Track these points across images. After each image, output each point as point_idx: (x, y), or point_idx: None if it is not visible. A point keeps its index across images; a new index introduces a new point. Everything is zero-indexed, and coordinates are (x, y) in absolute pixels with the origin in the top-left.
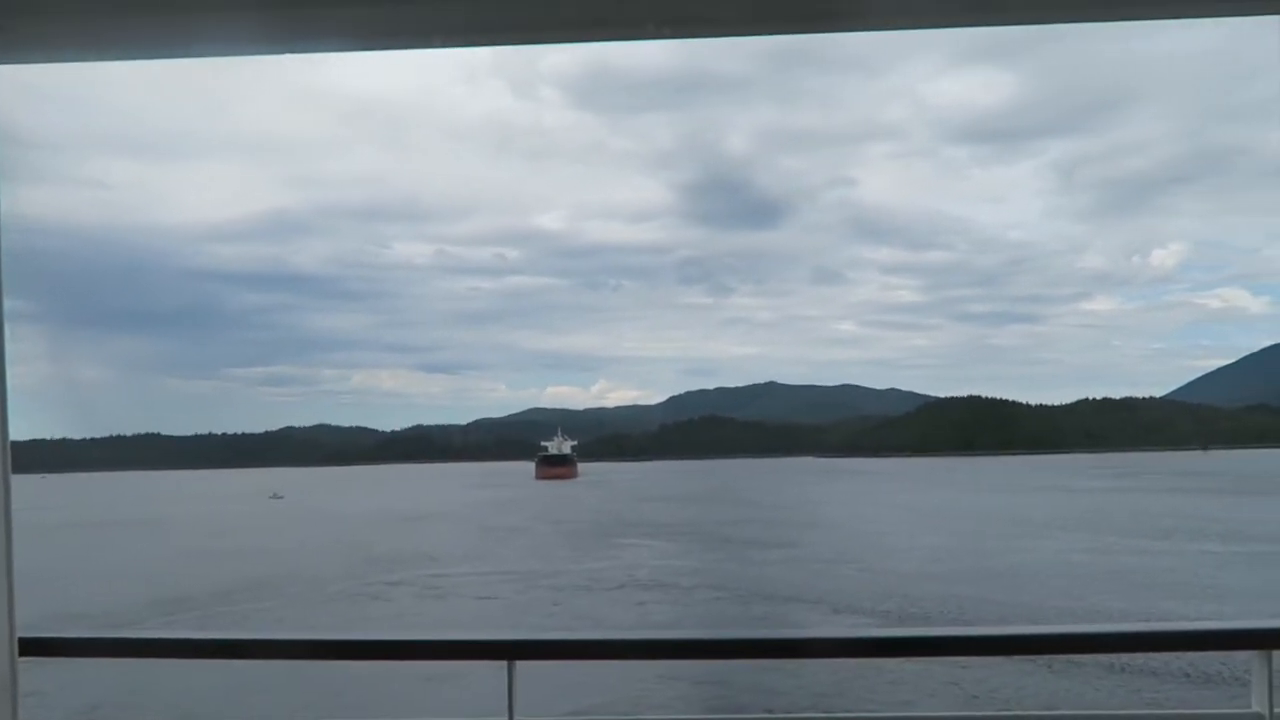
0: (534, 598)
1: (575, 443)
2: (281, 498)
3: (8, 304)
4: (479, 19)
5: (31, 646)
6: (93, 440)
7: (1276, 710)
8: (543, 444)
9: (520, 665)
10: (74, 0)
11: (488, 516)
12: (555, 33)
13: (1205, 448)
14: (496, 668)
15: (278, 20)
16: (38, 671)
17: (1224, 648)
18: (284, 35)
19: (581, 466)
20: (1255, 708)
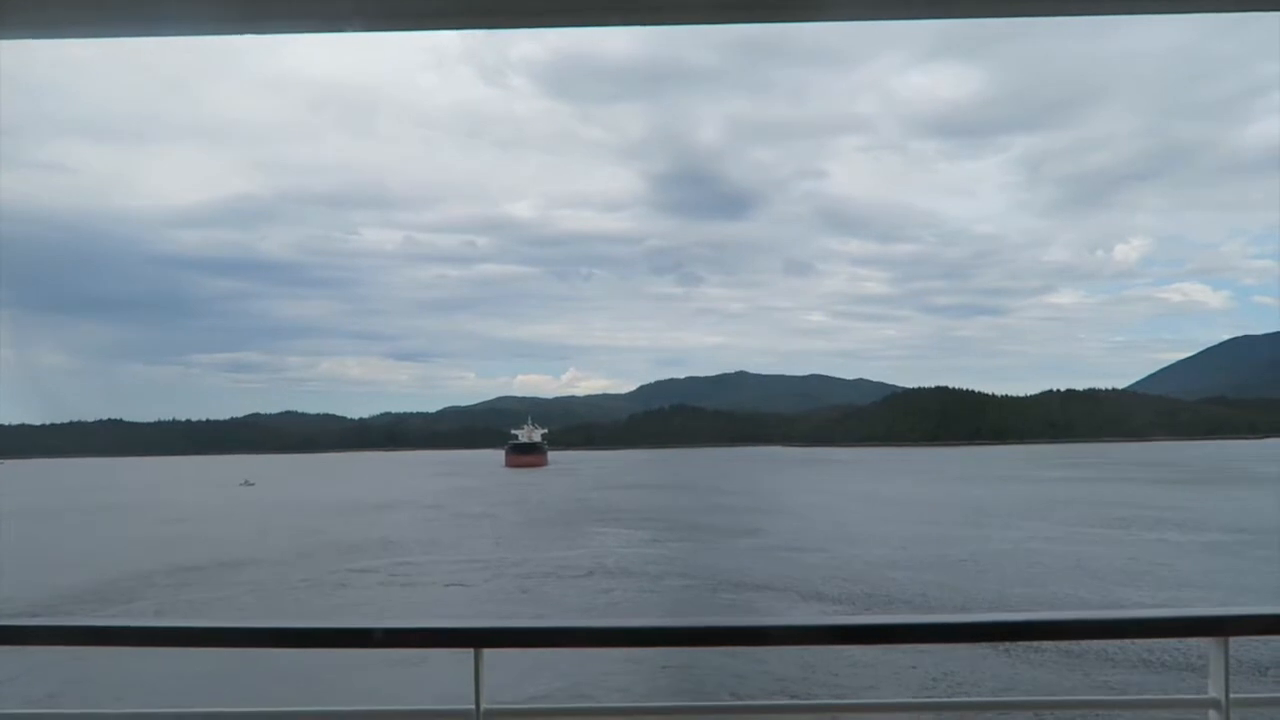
0: (502, 585)
1: (545, 431)
2: (252, 485)
3: None
4: (444, 2)
5: (5, 635)
6: (53, 426)
7: (1233, 695)
8: (513, 432)
9: (487, 652)
10: None
11: (458, 505)
12: (522, 18)
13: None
14: (462, 654)
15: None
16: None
17: (1182, 635)
18: (248, 14)
19: (551, 455)
20: (1212, 693)
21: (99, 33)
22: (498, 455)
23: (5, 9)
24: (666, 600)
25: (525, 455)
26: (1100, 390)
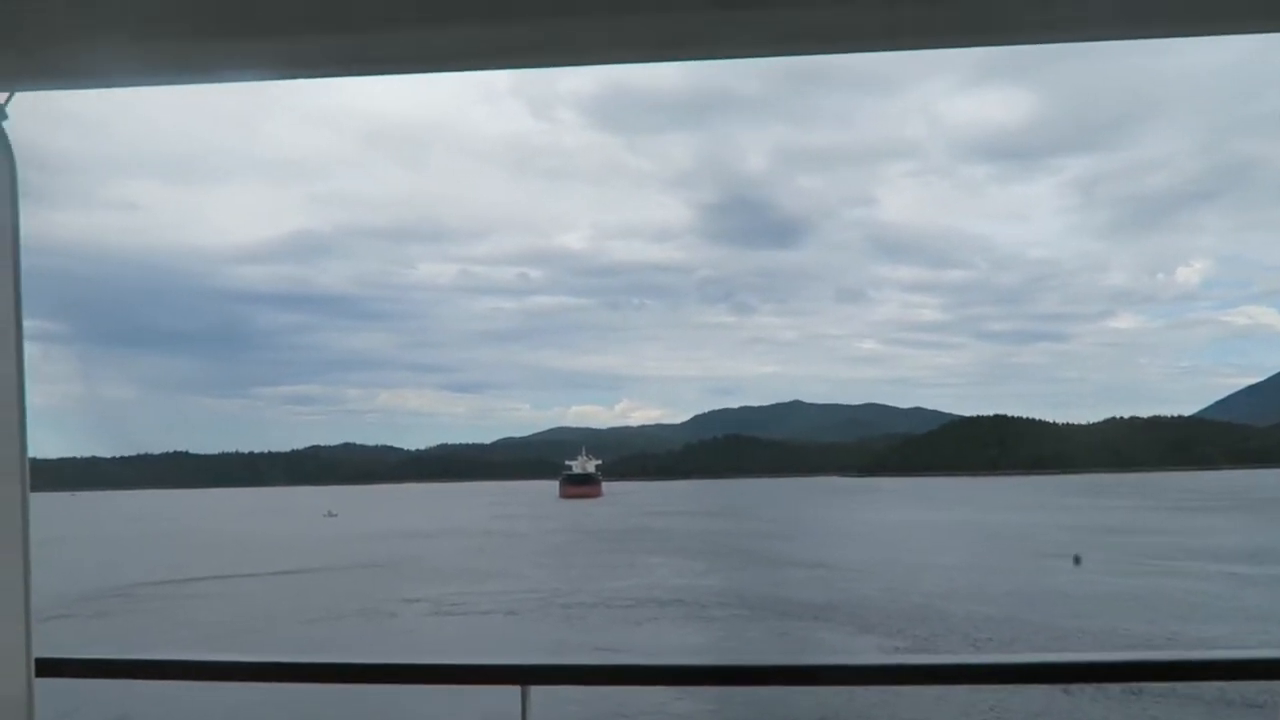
0: (551, 615)
1: (599, 462)
2: (336, 515)
3: (39, 325)
4: (495, 43)
5: (48, 667)
6: (122, 458)
7: None
8: (567, 463)
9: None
10: (99, 27)
11: (512, 534)
12: (571, 56)
13: None
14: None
15: (298, 46)
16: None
17: (1264, 677)
18: (304, 61)
19: (606, 486)
20: None
21: (164, 80)
22: (552, 486)
23: (75, 58)
24: (719, 630)
25: (580, 486)
26: (1165, 417)
